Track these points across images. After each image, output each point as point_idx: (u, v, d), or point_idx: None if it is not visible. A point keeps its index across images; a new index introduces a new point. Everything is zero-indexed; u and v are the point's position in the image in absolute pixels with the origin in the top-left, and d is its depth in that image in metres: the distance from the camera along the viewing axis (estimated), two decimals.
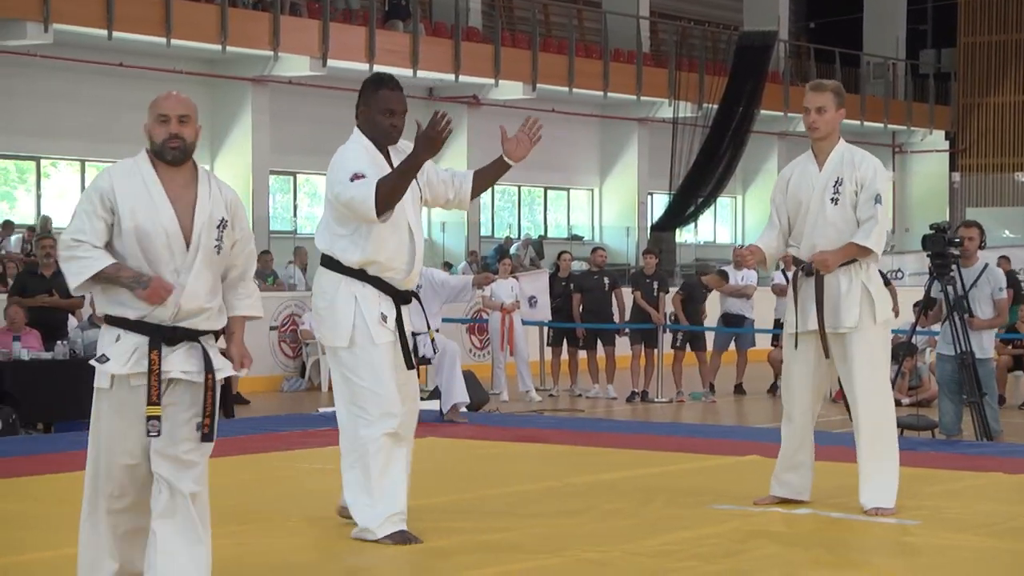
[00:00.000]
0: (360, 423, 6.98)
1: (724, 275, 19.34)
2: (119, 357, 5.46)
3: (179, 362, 5.48)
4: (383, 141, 7.09)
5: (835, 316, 7.82)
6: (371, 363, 6.96)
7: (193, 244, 5.48)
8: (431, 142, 6.71)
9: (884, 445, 7.86)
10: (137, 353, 5.45)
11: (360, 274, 7.00)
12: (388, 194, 6.77)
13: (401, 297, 7.11)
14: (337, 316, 7.00)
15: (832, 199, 7.83)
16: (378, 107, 7.09)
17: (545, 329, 19.58)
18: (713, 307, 19.56)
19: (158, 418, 5.41)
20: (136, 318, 5.46)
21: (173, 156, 5.51)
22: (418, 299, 7.36)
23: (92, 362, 5.49)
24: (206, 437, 5.49)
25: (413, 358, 7.17)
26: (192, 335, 5.51)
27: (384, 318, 6.99)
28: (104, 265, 5.43)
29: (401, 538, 6.88)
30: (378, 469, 6.92)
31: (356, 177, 6.81)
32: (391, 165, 6.98)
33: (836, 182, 7.84)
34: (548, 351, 19.53)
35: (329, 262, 7.06)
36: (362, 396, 6.96)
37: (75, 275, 5.45)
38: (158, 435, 5.43)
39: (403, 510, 6.96)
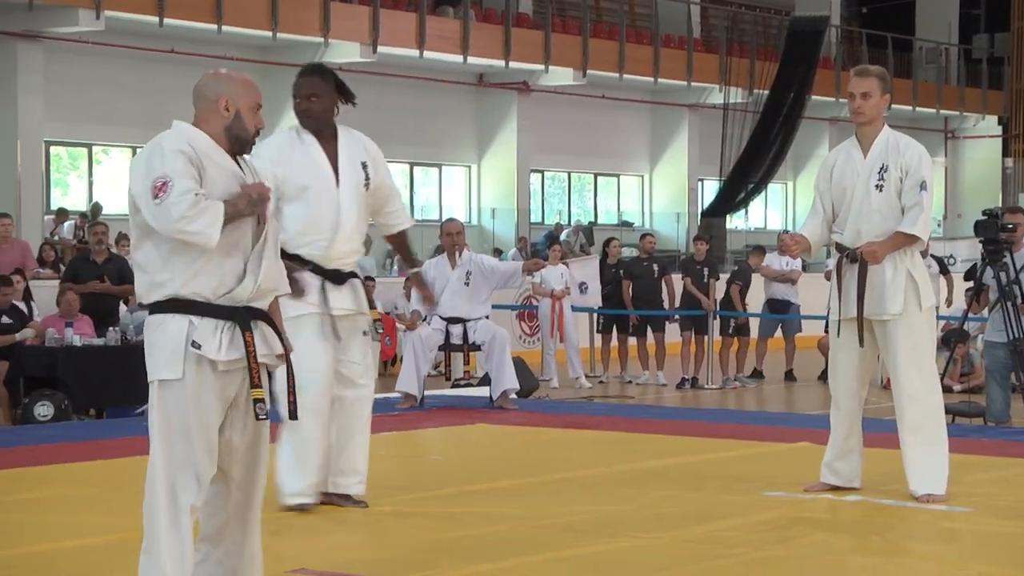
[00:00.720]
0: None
1: (761, 249, 19.54)
2: (208, 341, 5.07)
3: (259, 344, 5.19)
4: (302, 125, 7.45)
5: (880, 303, 7.80)
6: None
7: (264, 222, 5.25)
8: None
9: (932, 431, 7.83)
10: (224, 335, 5.10)
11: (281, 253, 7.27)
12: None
13: (330, 276, 7.33)
14: None
15: (877, 186, 7.81)
16: (294, 94, 7.46)
17: (595, 315, 19.59)
18: (758, 293, 19.56)
19: (263, 400, 5.13)
20: (215, 297, 5.09)
21: (253, 147, 5.32)
22: (359, 280, 7.59)
23: (191, 348, 5.05)
24: (293, 415, 5.32)
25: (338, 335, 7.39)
26: (261, 315, 5.23)
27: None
28: (223, 205, 5.05)
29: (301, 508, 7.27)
30: (299, 443, 7.23)
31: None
32: (323, 149, 7.38)
33: (881, 168, 7.81)
34: (598, 337, 19.54)
35: None
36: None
37: (213, 224, 5.01)
38: (267, 418, 5.16)
39: (315, 482, 7.30)
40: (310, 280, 7.26)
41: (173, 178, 5.05)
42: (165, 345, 5.10)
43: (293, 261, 7.12)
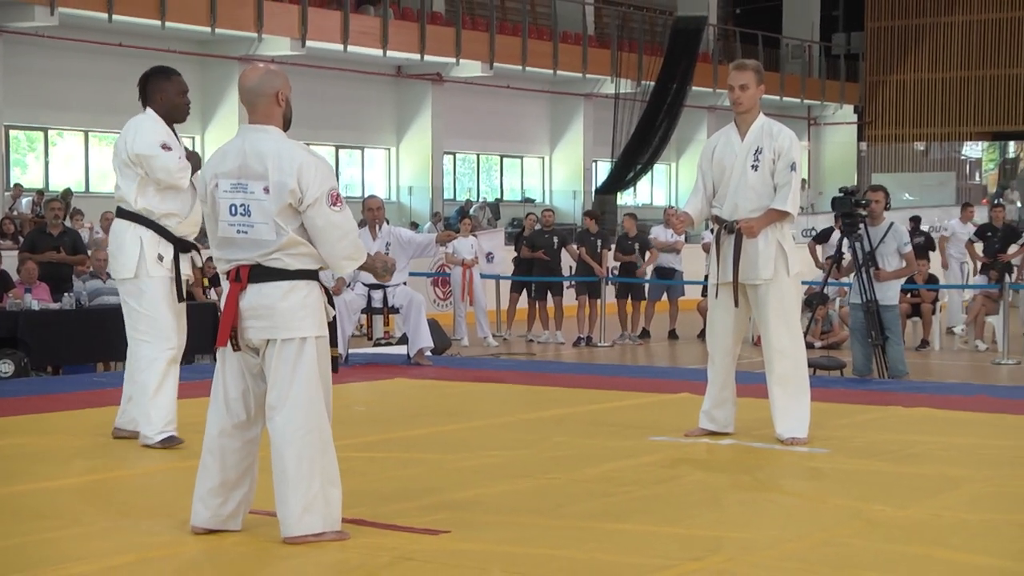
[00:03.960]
0: (143, 345, 7.55)
1: (632, 216, 19.60)
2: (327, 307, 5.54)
3: None
4: (178, 119, 7.73)
5: (753, 269, 7.87)
6: (150, 294, 7.57)
7: None
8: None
9: (797, 382, 7.92)
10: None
11: (142, 219, 7.63)
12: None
13: (181, 245, 7.72)
14: (125, 252, 7.62)
15: (752, 166, 7.86)
16: (176, 90, 7.71)
17: (500, 281, 19.62)
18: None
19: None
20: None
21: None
22: (197, 251, 7.96)
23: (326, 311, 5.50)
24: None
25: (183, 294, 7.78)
26: None
27: (160, 258, 7.58)
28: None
29: (170, 442, 7.51)
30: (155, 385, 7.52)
31: (166, 147, 7.52)
32: (178, 138, 7.70)
33: (756, 151, 7.87)
34: (504, 301, 19.55)
35: (122, 211, 7.68)
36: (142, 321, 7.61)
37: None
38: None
39: (173, 419, 7.55)
40: (166, 248, 7.63)
41: (339, 191, 5.41)
42: (319, 307, 5.39)
43: (155, 231, 7.57)
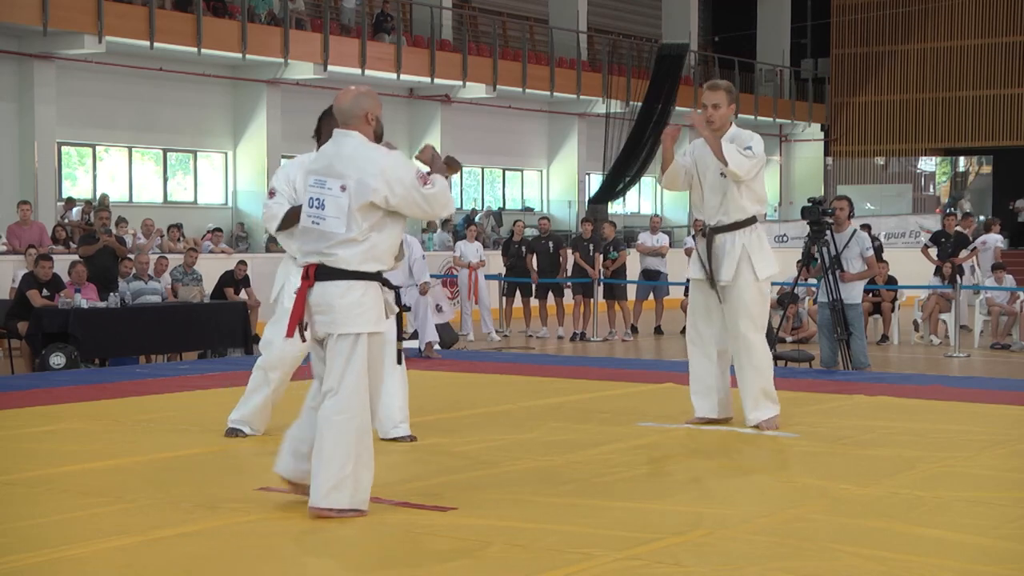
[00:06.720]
0: (260, 359, 7.53)
1: (588, 220, 19.44)
2: (388, 306, 5.57)
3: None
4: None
5: (719, 271, 7.86)
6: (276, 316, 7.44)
7: None
8: None
9: (757, 369, 7.83)
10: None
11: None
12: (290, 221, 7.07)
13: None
14: (275, 280, 7.51)
15: (722, 173, 7.88)
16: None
17: (500, 282, 19.60)
18: (634, 264, 19.65)
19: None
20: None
21: None
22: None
23: (386, 309, 5.54)
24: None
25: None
26: None
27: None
28: None
29: (231, 433, 7.51)
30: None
31: (272, 193, 7.28)
32: None
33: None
34: (507, 300, 19.54)
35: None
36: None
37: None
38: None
39: (237, 418, 7.53)
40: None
41: (423, 172, 5.45)
42: (374, 306, 5.39)
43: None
